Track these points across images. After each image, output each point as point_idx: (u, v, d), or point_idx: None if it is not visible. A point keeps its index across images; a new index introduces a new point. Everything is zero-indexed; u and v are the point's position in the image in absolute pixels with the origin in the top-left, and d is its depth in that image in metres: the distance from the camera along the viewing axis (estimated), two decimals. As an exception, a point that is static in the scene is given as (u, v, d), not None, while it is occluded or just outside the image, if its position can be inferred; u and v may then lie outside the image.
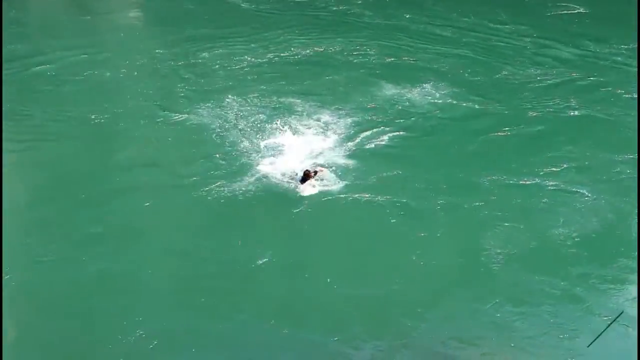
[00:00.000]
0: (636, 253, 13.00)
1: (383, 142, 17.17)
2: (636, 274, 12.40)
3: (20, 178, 15.91)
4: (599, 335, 10.83)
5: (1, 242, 12.98)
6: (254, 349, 11.36)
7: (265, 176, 15.55)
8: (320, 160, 16.24)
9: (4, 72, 21.01)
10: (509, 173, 15.75)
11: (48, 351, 11.35)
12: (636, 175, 15.30)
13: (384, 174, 15.69)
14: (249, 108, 18.89)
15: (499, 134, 17.72)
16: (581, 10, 26.76)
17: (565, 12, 26.77)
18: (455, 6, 26.91)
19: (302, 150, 16.63)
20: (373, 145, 16.99)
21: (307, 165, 15.73)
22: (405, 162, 16.32)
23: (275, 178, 15.47)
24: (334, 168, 15.92)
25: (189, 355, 11.21)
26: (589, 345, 10.91)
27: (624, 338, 11.31)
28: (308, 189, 14.88)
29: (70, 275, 12.83)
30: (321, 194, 14.90)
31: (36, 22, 27.21)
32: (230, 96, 19.55)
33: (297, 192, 14.94)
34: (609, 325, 11.09)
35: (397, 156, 16.61)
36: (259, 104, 19.15)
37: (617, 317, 11.34)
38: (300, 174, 15.27)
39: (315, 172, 15.20)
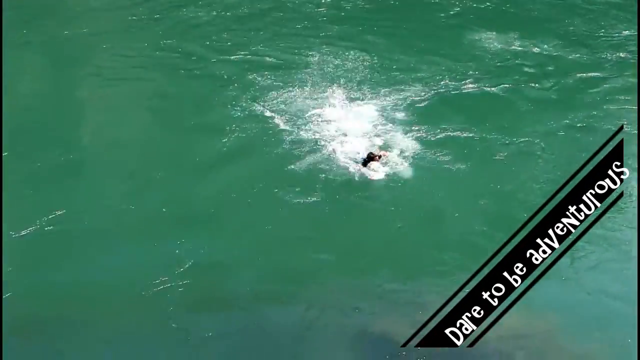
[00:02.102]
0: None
1: (472, 90, 17.32)
2: None
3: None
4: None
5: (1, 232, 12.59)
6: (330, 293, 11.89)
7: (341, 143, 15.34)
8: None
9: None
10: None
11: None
12: None
13: (470, 125, 15.92)
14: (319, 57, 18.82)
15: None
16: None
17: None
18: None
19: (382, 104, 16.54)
20: (459, 97, 17.07)
21: (372, 147, 15.13)
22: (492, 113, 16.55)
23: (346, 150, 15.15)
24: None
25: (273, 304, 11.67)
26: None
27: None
28: (371, 173, 14.41)
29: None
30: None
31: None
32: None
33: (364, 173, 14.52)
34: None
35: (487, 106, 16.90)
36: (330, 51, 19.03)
37: None
38: (363, 155, 14.78)
39: (379, 157, 14.64)
